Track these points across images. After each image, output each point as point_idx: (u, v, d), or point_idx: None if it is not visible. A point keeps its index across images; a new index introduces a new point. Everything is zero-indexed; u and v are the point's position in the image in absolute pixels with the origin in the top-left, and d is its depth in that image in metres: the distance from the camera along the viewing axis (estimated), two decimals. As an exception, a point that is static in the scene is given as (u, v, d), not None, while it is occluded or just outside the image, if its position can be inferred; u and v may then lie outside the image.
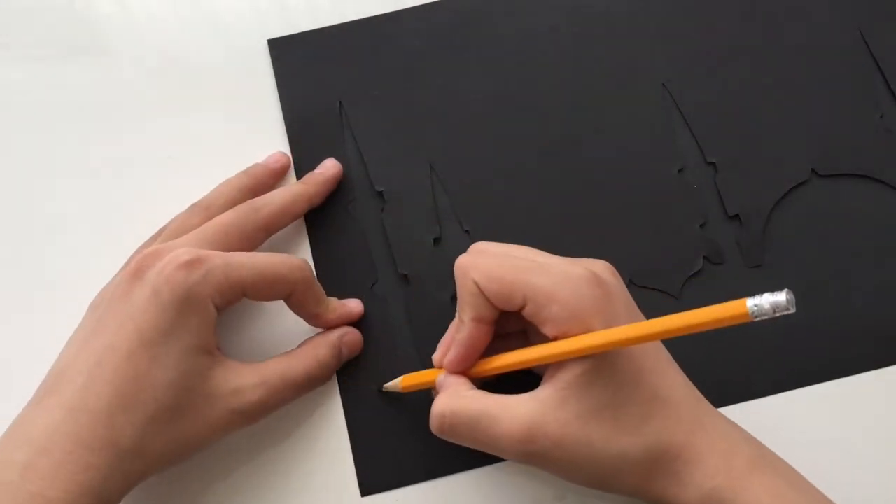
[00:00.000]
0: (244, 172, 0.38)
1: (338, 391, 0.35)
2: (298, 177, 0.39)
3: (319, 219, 0.38)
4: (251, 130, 0.40)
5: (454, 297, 0.36)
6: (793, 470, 0.30)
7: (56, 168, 0.40)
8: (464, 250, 0.33)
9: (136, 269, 0.31)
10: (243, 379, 0.32)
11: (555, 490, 0.34)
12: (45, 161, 0.40)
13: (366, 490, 0.34)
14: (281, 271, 0.32)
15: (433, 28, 0.41)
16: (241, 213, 0.34)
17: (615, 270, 0.31)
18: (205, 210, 0.35)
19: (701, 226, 0.37)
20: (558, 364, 0.30)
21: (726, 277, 0.37)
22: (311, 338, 0.35)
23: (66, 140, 0.40)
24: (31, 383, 0.36)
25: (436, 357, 0.33)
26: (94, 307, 0.33)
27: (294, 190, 0.37)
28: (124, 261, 0.36)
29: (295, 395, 0.34)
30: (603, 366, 0.29)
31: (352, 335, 0.35)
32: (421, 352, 0.36)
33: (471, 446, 0.31)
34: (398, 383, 0.34)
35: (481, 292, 0.30)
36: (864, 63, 0.40)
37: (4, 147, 0.40)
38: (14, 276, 0.38)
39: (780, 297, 0.23)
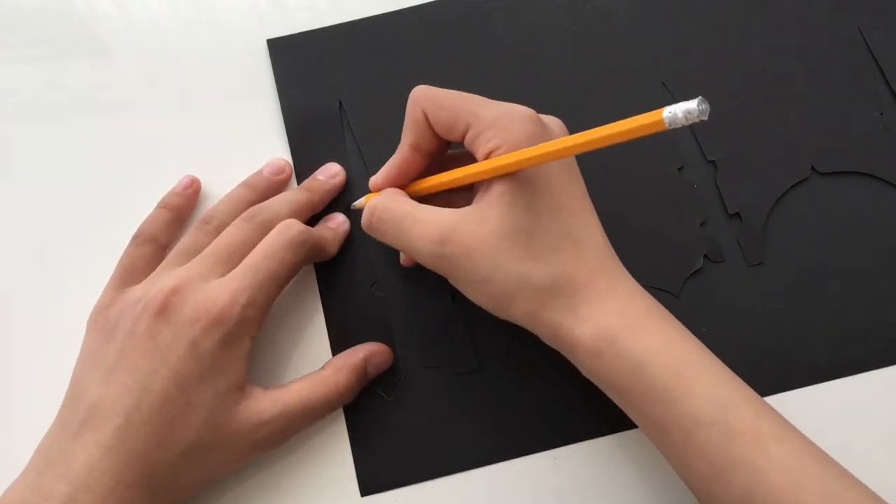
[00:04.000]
0: (248, 186, 0.37)
1: (337, 391, 0.35)
2: (298, 177, 0.39)
3: (319, 219, 0.38)
4: (251, 130, 0.40)
5: (454, 297, 0.36)
6: (681, 325, 0.31)
7: (56, 168, 0.40)
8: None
9: (162, 309, 0.31)
10: (266, 411, 0.32)
11: (554, 489, 0.34)
12: (44, 161, 0.40)
13: (366, 490, 0.34)
14: (299, 261, 0.34)
15: (433, 28, 0.41)
16: (249, 230, 0.34)
17: (566, 129, 0.33)
18: (215, 230, 0.35)
19: (701, 224, 0.37)
20: (486, 187, 0.31)
21: (727, 276, 0.37)
22: (333, 359, 0.35)
23: (66, 140, 0.40)
24: (31, 383, 0.36)
25: (372, 179, 0.35)
26: (100, 329, 0.33)
27: (298, 199, 0.37)
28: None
29: (315, 420, 0.34)
30: (524, 191, 0.30)
31: (379, 356, 0.35)
32: (421, 351, 0.36)
33: (391, 244, 0.33)
34: (363, 201, 0.35)
35: (427, 121, 0.32)
36: (864, 63, 0.40)
37: (4, 147, 0.40)
38: (14, 275, 0.38)
39: (692, 104, 0.24)
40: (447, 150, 0.35)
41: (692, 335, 0.30)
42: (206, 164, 0.39)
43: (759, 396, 0.29)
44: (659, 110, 0.25)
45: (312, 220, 0.38)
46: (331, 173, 0.38)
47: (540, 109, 0.40)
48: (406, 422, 0.35)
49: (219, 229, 0.35)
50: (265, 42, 0.41)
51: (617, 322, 0.29)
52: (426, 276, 0.37)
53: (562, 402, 0.35)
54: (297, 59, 0.41)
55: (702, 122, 0.24)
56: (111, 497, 0.29)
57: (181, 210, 0.38)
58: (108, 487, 0.29)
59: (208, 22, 0.42)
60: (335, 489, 0.34)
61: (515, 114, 0.31)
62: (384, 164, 0.39)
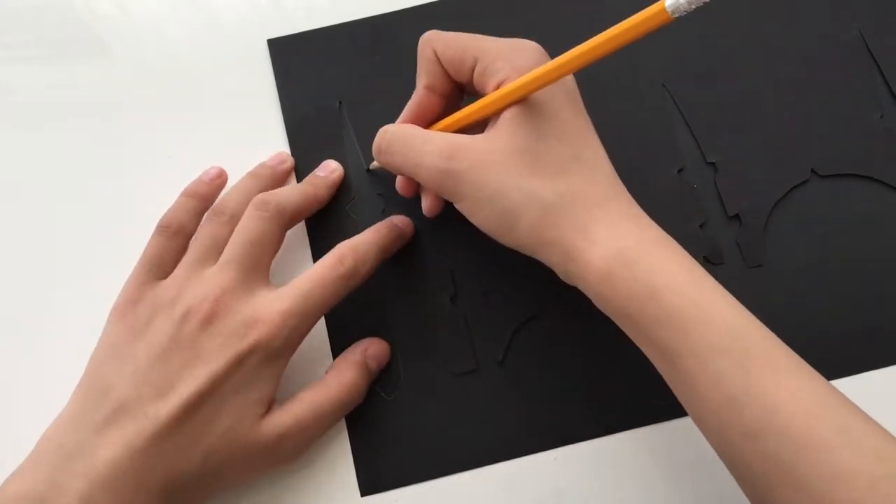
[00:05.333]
0: (254, 176, 0.37)
1: (338, 391, 0.36)
2: (298, 177, 0.39)
3: (319, 219, 0.38)
4: (251, 130, 0.40)
5: (454, 298, 0.36)
6: (693, 258, 0.30)
7: (56, 168, 0.40)
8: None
9: (207, 319, 0.31)
10: (283, 424, 0.32)
11: (554, 489, 0.34)
12: (44, 161, 0.40)
13: (366, 490, 0.34)
14: (345, 294, 0.34)
15: (433, 28, 0.41)
16: (267, 219, 0.34)
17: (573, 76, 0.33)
18: (230, 220, 0.35)
19: (701, 226, 0.37)
20: (495, 118, 0.32)
21: (726, 278, 0.36)
22: (333, 363, 0.35)
23: (66, 140, 0.40)
24: (31, 383, 0.36)
25: (388, 126, 0.35)
26: (128, 324, 0.32)
27: (305, 190, 0.37)
28: (124, 261, 0.36)
29: (329, 426, 0.34)
30: (531, 114, 0.30)
31: (375, 347, 0.35)
32: (421, 352, 0.36)
33: (400, 165, 0.33)
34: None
35: (437, 60, 0.33)
36: (864, 63, 0.40)
37: (4, 147, 0.40)
38: (14, 275, 0.38)
39: None
40: (461, 98, 0.35)
41: (703, 268, 0.30)
42: (206, 164, 0.39)
43: (771, 332, 0.28)
44: (660, 0, 0.25)
45: (312, 219, 0.38)
46: (329, 169, 0.38)
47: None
48: (406, 422, 0.35)
49: (234, 218, 0.35)
50: (265, 42, 0.41)
51: (632, 245, 0.29)
52: (426, 276, 0.37)
53: (562, 402, 0.35)
54: (297, 59, 0.41)
55: (705, 4, 0.23)
56: (130, 499, 0.29)
57: (207, 200, 0.37)
58: (129, 489, 0.29)
59: (208, 22, 0.42)
60: (335, 489, 0.34)
61: (521, 45, 0.32)
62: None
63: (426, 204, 0.36)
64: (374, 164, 0.38)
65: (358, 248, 0.34)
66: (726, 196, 0.38)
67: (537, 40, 0.42)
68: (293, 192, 0.36)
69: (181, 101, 0.41)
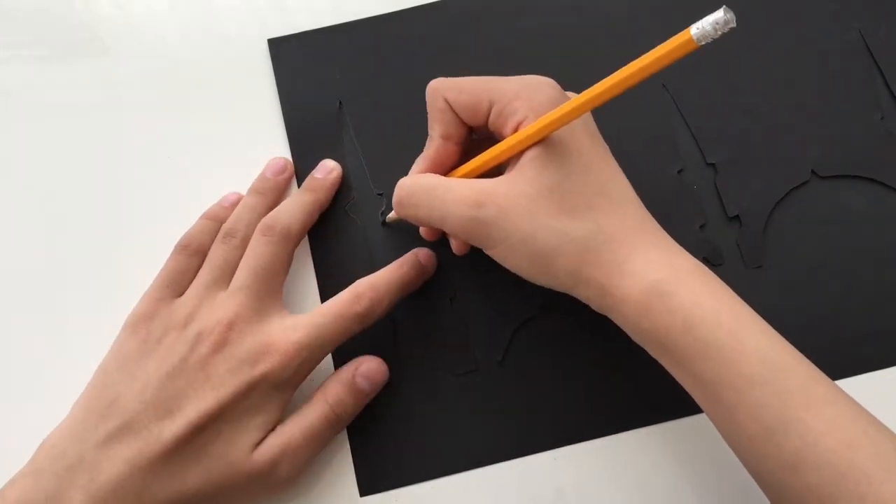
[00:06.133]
0: (257, 193, 0.37)
1: (338, 392, 0.36)
2: (299, 177, 0.39)
3: (319, 219, 0.38)
4: (251, 130, 0.40)
5: (453, 299, 0.36)
6: (727, 286, 0.30)
7: (55, 168, 0.40)
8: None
9: (220, 344, 0.31)
10: (273, 449, 0.32)
11: (554, 489, 0.34)
12: (44, 161, 0.40)
13: (365, 490, 0.34)
14: (359, 331, 0.34)
15: (433, 28, 0.41)
16: (275, 244, 0.34)
17: None
18: (242, 243, 0.35)
19: (701, 227, 0.37)
20: (516, 159, 0.31)
21: (726, 279, 0.36)
22: (324, 382, 0.34)
23: (66, 140, 0.40)
24: (31, 383, 0.36)
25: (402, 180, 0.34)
26: (140, 339, 0.33)
27: (308, 201, 0.37)
28: (124, 261, 0.36)
29: (320, 447, 0.34)
30: (553, 153, 0.30)
31: (367, 365, 0.35)
32: (421, 352, 0.36)
33: (425, 217, 0.32)
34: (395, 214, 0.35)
35: (451, 108, 0.32)
36: (864, 63, 0.40)
37: (4, 147, 0.40)
38: (13, 275, 0.38)
39: (719, 13, 0.23)
40: (470, 140, 0.34)
41: (738, 296, 0.30)
42: (206, 164, 0.39)
43: (808, 360, 0.28)
44: (685, 29, 0.24)
45: (320, 221, 0.38)
46: (327, 169, 0.38)
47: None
48: (406, 422, 0.35)
49: (244, 241, 0.35)
50: (265, 42, 0.41)
51: (666, 276, 0.29)
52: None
53: (562, 402, 0.35)
54: (297, 59, 0.41)
55: (731, 30, 0.23)
56: None
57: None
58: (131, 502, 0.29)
59: (208, 22, 0.42)
60: (335, 489, 0.34)
61: (536, 82, 0.31)
62: (384, 163, 0.39)
63: (455, 245, 0.35)
64: (392, 216, 0.37)
65: (377, 287, 0.34)
66: (726, 197, 0.38)
67: (537, 39, 0.42)
68: (296, 209, 0.36)
69: (181, 101, 0.41)
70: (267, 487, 0.32)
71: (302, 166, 0.39)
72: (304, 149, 0.39)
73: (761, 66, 0.40)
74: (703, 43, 0.24)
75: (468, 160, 0.33)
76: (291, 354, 0.32)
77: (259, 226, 0.35)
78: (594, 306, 0.31)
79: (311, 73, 0.41)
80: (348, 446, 0.35)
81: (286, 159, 0.39)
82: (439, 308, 0.36)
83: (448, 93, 0.32)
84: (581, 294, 0.31)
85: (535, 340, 0.36)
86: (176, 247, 0.36)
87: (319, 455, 0.35)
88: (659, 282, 0.29)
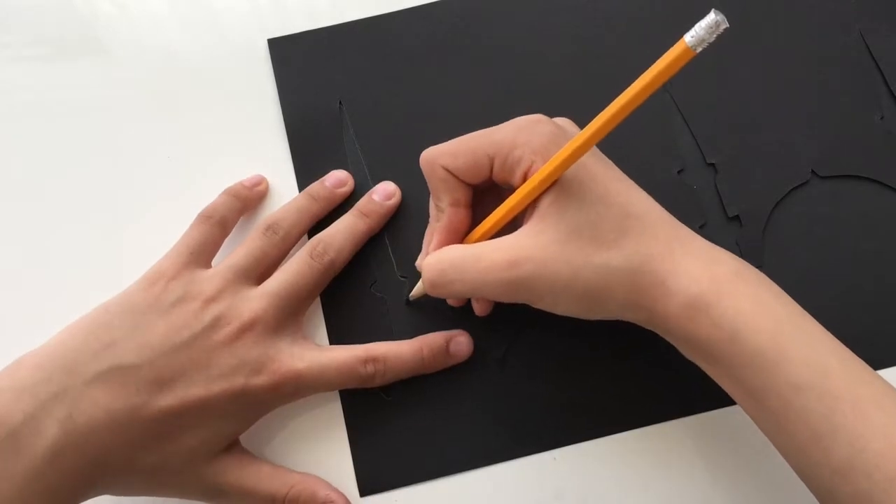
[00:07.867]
0: (310, 196, 0.37)
1: (337, 392, 0.36)
2: (298, 177, 0.39)
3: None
4: (251, 130, 0.40)
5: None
6: (774, 284, 0.30)
7: (54, 167, 0.40)
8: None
9: (232, 338, 0.32)
10: (229, 468, 0.32)
11: (554, 489, 0.34)
12: (44, 161, 0.40)
13: (365, 490, 0.34)
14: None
15: (433, 28, 0.41)
16: (316, 268, 0.35)
17: (576, 125, 0.33)
18: (282, 242, 0.35)
19: (701, 227, 0.37)
20: (531, 209, 0.31)
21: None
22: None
23: (66, 140, 0.40)
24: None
25: (419, 261, 0.34)
26: (155, 295, 0.32)
27: (360, 230, 0.36)
28: (124, 261, 0.36)
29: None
30: (569, 191, 0.29)
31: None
32: (421, 352, 0.36)
33: (461, 292, 0.31)
34: (419, 288, 0.35)
35: (451, 174, 0.32)
36: (864, 63, 0.40)
37: (4, 147, 0.40)
38: (13, 275, 0.38)
39: (710, 17, 0.23)
40: (472, 198, 0.33)
41: (784, 294, 0.29)
42: (205, 164, 0.39)
43: (857, 359, 0.28)
44: (680, 39, 0.24)
45: (321, 222, 0.38)
46: (388, 193, 0.38)
47: (538, 110, 0.40)
48: (406, 422, 0.35)
49: (285, 240, 0.35)
50: (265, 42, 0.41)
51: (707, 287, 0.28)
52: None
53: (562, 402, 0.35)
54: (297, 59, 0.41)
55: (725, 31, 0.23)
56: (91, 465, 0.29)
57: (247, 203, 0.38)
58: (93, 453, 0.29)
59: (208, 22, 0.42)
60: (335, 489, 0.34)
61: (529, 124, 0.31)
62: (384, 163, 0.39)
63: (478, 308, 0.35)
64: (416, 292, 0.35)
65: (388, 360, 0.34)
66: (726, 197, 0.38)
67: (537, 39, 0.42)
68: (347, 240, 0.36)
69: (181, 101, 0.41)
70: (211, 496, 0.32)
71: (302, 166, 0.39)
72: (304, 149, 0.39)
73: (761, 67, 0.40)
74: (699, 49, 0.24)
75: (475, 213, 0.33)
76: (286, 381, 0.32)
77: (312, 242, 0.35)
78: (643, 325, 0.31)
79: (311, 73, 0.41)
80: (348, 446, 0.35)
81: (349, 174, 0.38)
82: (439, 307, 0.36)
83: (444, 160, 0.32)
84: (630, 318, 0.31)
85: (535, 341, 0.36)
86: (199, 216, 0.35)
87: (319, 455, 0.35)
88: (700, 294, 0.28)
